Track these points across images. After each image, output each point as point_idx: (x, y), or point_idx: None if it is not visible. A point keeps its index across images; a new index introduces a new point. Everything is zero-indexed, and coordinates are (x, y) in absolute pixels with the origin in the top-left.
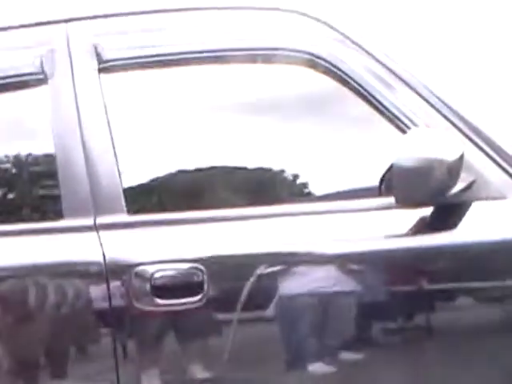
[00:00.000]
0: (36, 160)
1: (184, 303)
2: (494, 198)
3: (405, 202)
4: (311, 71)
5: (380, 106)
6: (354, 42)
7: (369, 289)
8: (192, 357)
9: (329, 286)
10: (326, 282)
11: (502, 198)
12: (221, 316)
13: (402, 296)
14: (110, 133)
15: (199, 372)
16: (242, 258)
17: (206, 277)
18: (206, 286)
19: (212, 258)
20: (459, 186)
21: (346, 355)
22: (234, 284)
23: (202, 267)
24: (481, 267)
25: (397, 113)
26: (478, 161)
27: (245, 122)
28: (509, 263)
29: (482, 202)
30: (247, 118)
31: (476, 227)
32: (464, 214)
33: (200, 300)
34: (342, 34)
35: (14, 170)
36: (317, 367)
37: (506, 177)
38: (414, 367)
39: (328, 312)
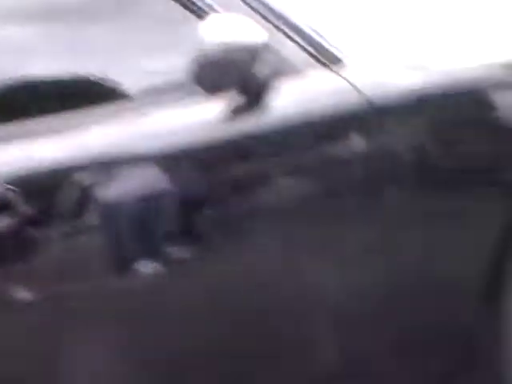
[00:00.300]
0: None
1: None
2: (295, 76)
3: (211, 91)
4: None
5: None
6: None
7: (189, 184)
8: (14, 279)
9: (150, 185)
10: (147, 182)
11: (302, 74)
12: (41, 233)
13: (223, 186)
14: None
15: (22, 294)
16: (56, 170)
17: (19, 195)
18: (20, 205)
19: (24, 174)
20: (263, 68)
21: (175, 252)
22: (52, 198)
23: (12, 186)
24: (292, 144)
25: (197, 1)
26: (278, 42)
27: (41, 28)
28: (311, 135)
29: (286, 81)
30: (45, 24)
31: (283, 106)
32: (271, 95)
33: (16, 220)
34: None
35: None
36: (147, 267)
37: (304, 55)
38: (244, 255)
39: (152, 212)
